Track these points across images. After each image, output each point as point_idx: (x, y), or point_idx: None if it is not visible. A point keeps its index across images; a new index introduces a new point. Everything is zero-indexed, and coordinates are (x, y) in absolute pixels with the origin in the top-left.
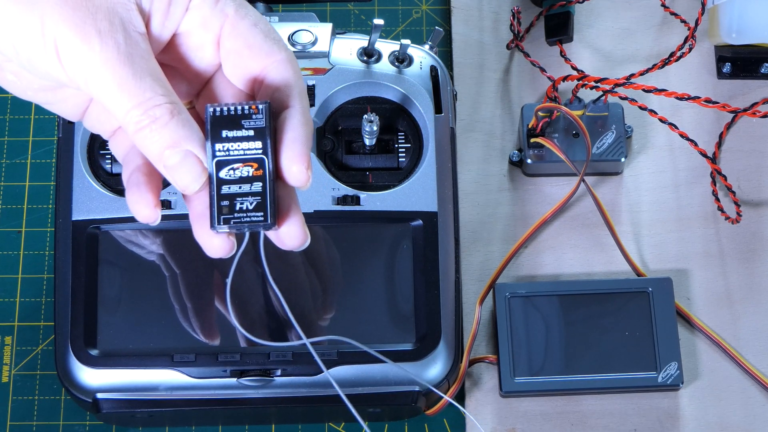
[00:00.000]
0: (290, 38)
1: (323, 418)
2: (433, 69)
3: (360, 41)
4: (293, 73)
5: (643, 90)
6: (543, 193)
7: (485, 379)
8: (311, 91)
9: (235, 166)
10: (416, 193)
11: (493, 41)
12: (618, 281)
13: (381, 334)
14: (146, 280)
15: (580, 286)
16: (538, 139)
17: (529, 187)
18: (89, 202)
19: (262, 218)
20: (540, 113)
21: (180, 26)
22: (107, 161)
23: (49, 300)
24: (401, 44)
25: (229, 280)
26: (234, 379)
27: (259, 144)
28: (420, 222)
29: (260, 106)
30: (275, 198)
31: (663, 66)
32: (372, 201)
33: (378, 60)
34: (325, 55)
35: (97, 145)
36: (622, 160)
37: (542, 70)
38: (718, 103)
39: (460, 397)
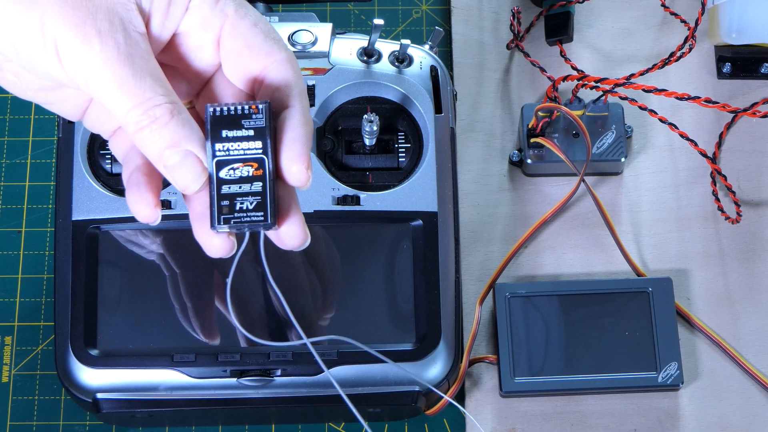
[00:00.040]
0: (290, 38)
1: (323, 418)
2: (433, 69)
3: (360, 41)
4: (293, 73)
5: (643, 90)
6: (543, 193)
7: (485, 379)
8: (311, 91)
9: (235, 165)
10: (416, 193)
11: (493, 41)
12: (618, 281)
13: (381, 334)
14: (146, 280)
15: (580, 286)
16: (538, 139)
17: (529, 187)
18: (89, 202)
19: (262, 218)
20: (540, 113)
21: (180, 26)
22: (107, 161)
23: (49, 300)
24: (401, 44)
25: (229, 280)
26: (234, 379)
27: (259, 144)
28: (420, 222)
29: (260, 106)
30: (275, 198)
31: (663, 66)
32: (372, 201)
33: (378, 60)
34: (325, 55)
35: (97, 145)
36: (622, 160)
37: (542, 70)
38: (718, 103)
39: (460, 397)
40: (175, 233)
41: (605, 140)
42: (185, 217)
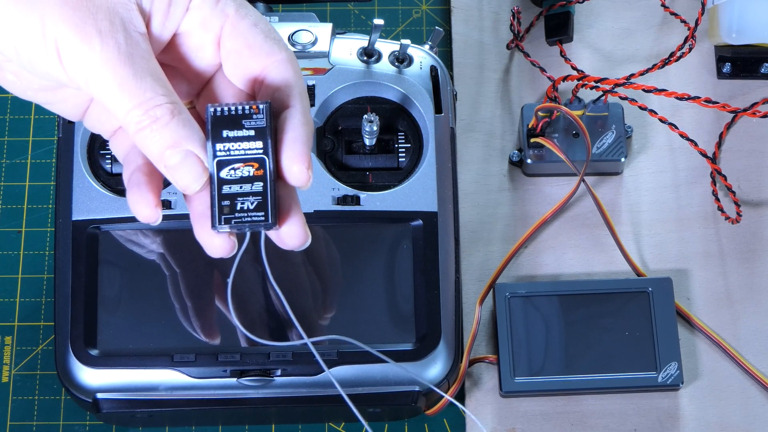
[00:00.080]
0: (290, 38)
1: (323, 418)
2: (433, 69)
3: (360, 41)
4: (294, 73)
5: (643, 90)
6: (543, 193)
7: (485, 379)
8: (311, 91)
9: (236, 165)
10: (416, 193)
11: (493, 41)
12: (618, 281)
13: (381, 334)
14: (146, 280)
15: (580, 286)
16: (538, 139)
17: (529, 187)
18: (89, 202)
19: (263, 218)
20: (540, 113)
21: (180, 26)
22: (107, 161)
23: (49, 300)
24: (401, 44)
25: (230, 280)
26: (234, 379)
27: (259, 144)
28: (420, 222)
29: (261, 106)
30: (276, 198)
31: (663, 66)
32: (372, 201)
33: (378, 60)
34: (325, 55)
35: (97, 145)
36: (622, 160)
37: (542, 70)
38: (718, 103)
39: (460, 397)
40: (176, 233)
41: (605, 140)
42: (185, 216)
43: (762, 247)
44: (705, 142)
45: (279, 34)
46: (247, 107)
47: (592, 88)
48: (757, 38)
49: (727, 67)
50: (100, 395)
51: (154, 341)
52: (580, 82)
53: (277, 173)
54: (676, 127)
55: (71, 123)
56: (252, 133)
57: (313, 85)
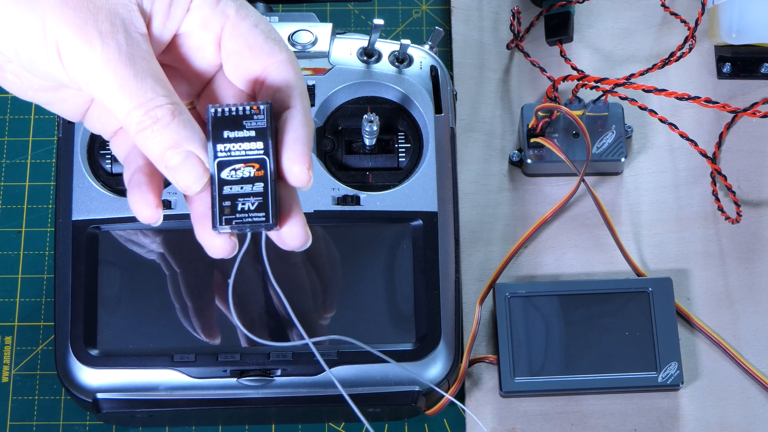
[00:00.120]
0: (290, 38)
1: (323, 418)
2: (433, 69)
3: (360, 41)
4: (294, 74)
5: (643, 90)
6: (543, 193)
7: (485, 379)
8: (311, 91)
9: (237, 166)
10: (416, 193)
11: (493, 41)
12: (618, 281)
13: (381, 333)
14: (146, 280)
15: (580, 286)
16: (538, 139)
17: (529, 187)
18: (89, 202)
19: (263, 219)
20: (540, 113)
21: (181, 27)
22: (107, 161)
23: (49, 300)
24: (401, 44)
25: (231, 281)
26: (234, 379)
27: (260, 144)
28: (420, 222)
29: (261, 107)
30: (277, 198)
31: (663, 66)
32: (372, 201)
33: (378, 60)
34: (325, 55)
35: (97, 145)
36: (622, 160)
37: (542, 70)
38: (718, 103)
39: (460, 397)
40: (176, 233)
41: (605, 140)
42: (186, 217)
43: (762, 247)
44: (705, 142)
45: (279, 34)
46: (247, 108)
47: (592, 88)
48: (757, 38)
49: (727, 67)
50: (100, 395)
51: (154, 341)
52: (580, 82)
53: (278, 174)
54: (676, 127)
55: (71, 123)
56: (253, 133)
57: (313, 85)
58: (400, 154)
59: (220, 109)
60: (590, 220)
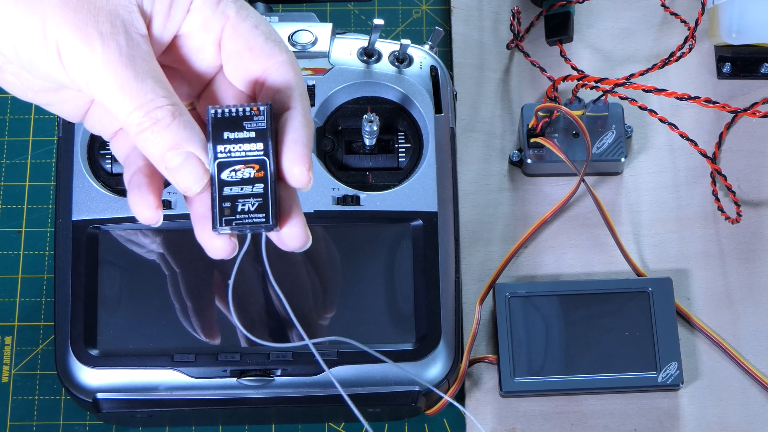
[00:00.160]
0: (290, 38)
1: (323, 418)
2: (433, 69)
3: (360, 41)
4: (294, 75)
5: (643, 90)
6: (543, 193)
7: (485, 379)
8: (311, 91)
9: (237, 167)
10: (416, 193)
11: (493, 41)
12: (618, 281)
13: (381, 334)
14: (146, 280)
15: (580, 286)
16: (538, 139)
17: (529, 187)
18: (89, 202)
19: (263, 219)
20: (540, 113)
21: (181, 28)
22: (107, 161)
23: (49, 300)
24: (401, 44)
25: (231, 281)
26: (234, 379)
27: (260, 145)
28: (420, 222)
29: (261, 108)
30: (277, 199)
31: (663, 66)
32: (372, 201)
33: (378, 60)
34: (325, 55)
35: (97, 145)
36: (622, 160)
37: (542, 70)
38: (718, 103)
39: (460, 397)
40: (176, 233)
41: (605, 140)
42: (186, 217)
43: (762, 247)
44: (705, 142)
45: (279, 35)
46: (247, 109)
47: (592, 88)
48: (757, 38)
49: (727, 67)
50: (100, 395)
51: (154, 341)
52: (580, 82)
53: (278, 175)
54: (676, 127)
55: (71, 123)
56: (253, 134)
57: (313, 85)
58: (400, 154)
59: (220, 110)
60: (590, 220)
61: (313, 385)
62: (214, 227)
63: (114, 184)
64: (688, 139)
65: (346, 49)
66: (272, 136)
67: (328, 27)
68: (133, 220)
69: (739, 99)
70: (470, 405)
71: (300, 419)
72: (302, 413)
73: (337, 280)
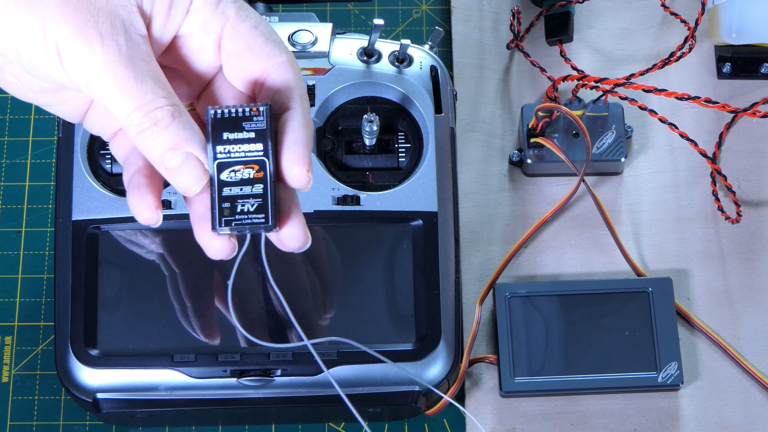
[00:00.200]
0: (290, 38)
1: (323, 418)
2: (433, 69)
3: (360, 41)
4: (294, 75)
5: (643, 90)
6: (543, 193)
7: (485, 379)
8: (311, 91)
9: (236, 168)
10: (416, 193)
11: (493, 41)
12: (618, 281)
13: (381, 334)
14: (146, 280)
15: (580, 286)
16: (538, 139)
17: (529, 187)
18: (89, 202)
19: (263, 220)
20: (540, 113)
21: (181, 28)
22: (107, 161)
23: (49, 300)
24: (401, 44)
25: (230, 282)
26: (234, 379)
27: (260, 146)
28: (420, 222)
29: (261, 108)
30: (276, 200)
31: (663, 66)
32: (372, 201)
33: (378, 60)
34: (325, 55)
35: (97, 145)
36: (622, 160)
37: (542, 70)
38: (718, 103)
39: (460, 397)
40: (176, 233)
41: (605, 140)
42: (185, 217)
43: (762, 247)
44: (705, 142)
45: (279, 36)
46: (247, 109)
47: (592, 88)
48: (757, 38)
49: (727, 67)
50: (100, 395)
51: (154, 341)
52: (580, 82)
53: (278, 175)
54: (676, 127)
55: (71, 123)
56: (252, 135)
57: (313, 85)
58: (400, 154)
59: (219, 111)
60: (590, 220)
61: (313, 385)
62: (213, 228)
63: (114, 184)
64: (688, 139)
65: (346, 49)
66: (272, 136)
67: (328, 27)
68: (133, 220)
69: (739, 99)
70: (470, 405)
71: (300, 419)
72: (302, 413)
73: (337, 280)
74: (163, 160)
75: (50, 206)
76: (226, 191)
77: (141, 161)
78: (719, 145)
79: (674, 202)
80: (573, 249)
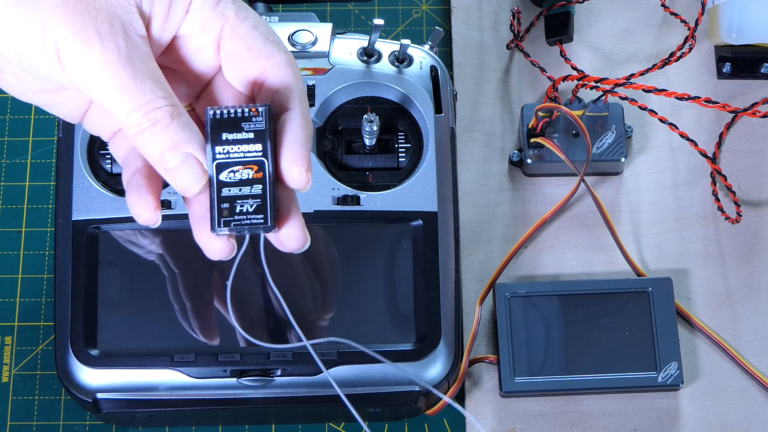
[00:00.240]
0: (290, 38)
1: (323, 418)
2: (433, 69)
3: (360, 41)
4: (293, 76)
5: (643, 90)
6: (543, 193)
7: (485, 379)
8: (311, 91)
9: (235, 168)
10: (416, 193)
11: (493, 41)
12: (618, 281)
13: (381, 334)
14: (146, 280)
15: (580, 286)
16: (538, 139)
17: (529, 187)
18: (89, 202)
19: (262, 221)
20: (540, 113)
21: (180, 29)
22: (107, 161)
23: (49, 300)
24: (401, 44)
25: (229, 282)
26: (234, 379)
27: (259, 146)
28: (420, 222)
29: (260, 109)
30: (275, 200)
31: (663, 66)
32: (372, 201)
33: (378, 60)
34: (325, 55)
35: (97, 145)
36: (622, 160)
37: (542, 70)
38: (718, 103)
39: (460, 397)
40: (175, 233)
41: (605, 140)
42: (185, 217)
43: (762, 247)
44: (705, 142)
45: (278, 36)
46: (246, 110)
47: (592, 88)
48: (757, 38)
49: (727, 67)
50: (100, 395)
51: (154, 341)
52: (580, 82)
53: (277, 176)
54: (676, 127)
55: (71, 123)
56: (251, 135)
57: (313, 85)
58: (400, 154)
59: (218, 111)
60: (590, 220)
61: (313, 385)
62: (212, 228)
63: (114, 184)
64: (688, 139)
65: (346, 49)
66: (271, 137)
67: (328, 27)
68: (133, 220)
69: (739, 99)
70: (470, 405)
71: (300, 419)
72: (302, 413)
73: (337, 280)
74: (162, 160)
75: (50, 206)
76: (225, 192)
77: (140, 161)
78: (719, 145)
79: (674, 202)
80: (573, 249)
